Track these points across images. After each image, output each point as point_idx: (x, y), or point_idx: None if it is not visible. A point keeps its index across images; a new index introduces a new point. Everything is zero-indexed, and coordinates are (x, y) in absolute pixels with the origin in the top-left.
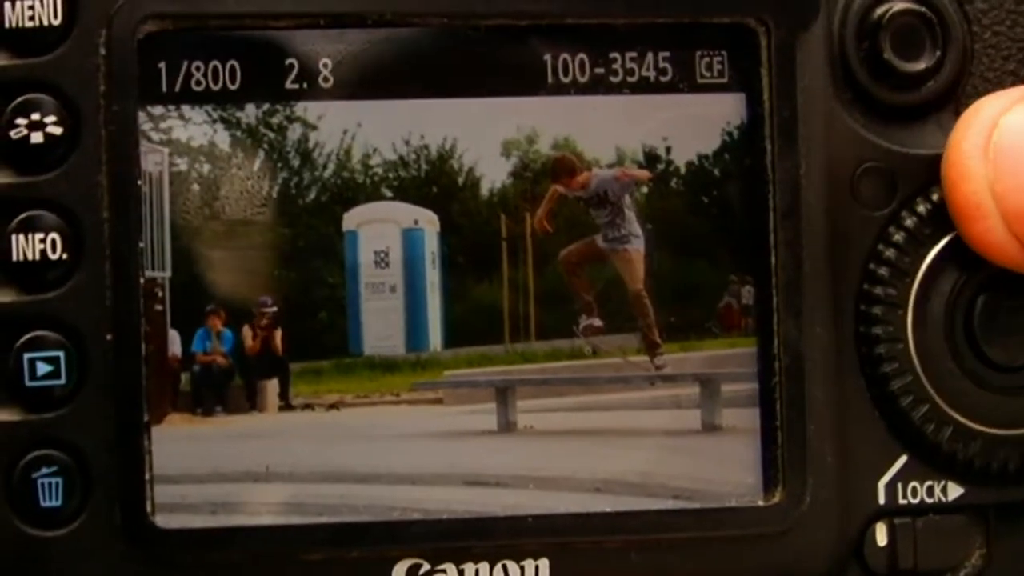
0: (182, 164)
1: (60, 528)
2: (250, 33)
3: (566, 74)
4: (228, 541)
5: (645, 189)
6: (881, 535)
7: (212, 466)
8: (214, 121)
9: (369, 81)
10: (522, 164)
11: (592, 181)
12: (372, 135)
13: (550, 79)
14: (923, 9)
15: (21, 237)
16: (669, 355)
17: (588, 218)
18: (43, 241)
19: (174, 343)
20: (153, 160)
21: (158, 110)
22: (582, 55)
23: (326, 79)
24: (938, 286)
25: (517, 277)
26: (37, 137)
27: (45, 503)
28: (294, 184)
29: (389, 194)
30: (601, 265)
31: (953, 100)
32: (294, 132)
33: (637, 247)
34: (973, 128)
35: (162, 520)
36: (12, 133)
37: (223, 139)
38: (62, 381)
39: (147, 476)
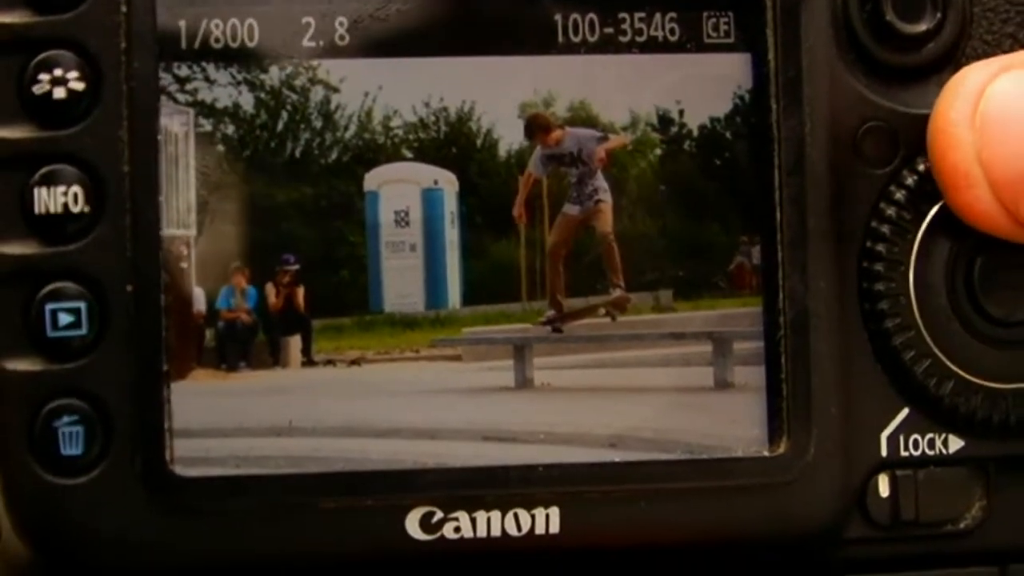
0: (207, 125)
1: (80, 476)
2: None
3: (576, 33)
4: (245, 489)
5: (658, 151)
6: (883, 486)
7: (236, 421)
8: (238, 83)
9: (384, 40)
10: None
11: (566, 138)
12: (392, 97)
13: (560, 38)
14: None
15: (43, 190)
16: (682, 313)
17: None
18: (65, 194)
19: (199, 300)
20: (179, 121)
21: (182, 71)
22: (591, 15)
23: (342, 37)
24: (939, 243)
25: (534, 236)
26: (60, 92)
27: (66, 451)
28: (316, 145)
29: (409, 155)
30: (582, 235)
31: (953, 61)
32: (316, 94)
33: (606, 200)
34: (959, 97)
35: (181, 468)
36: (35, 88)
37: (247, 101)
38: (83, 331)
39: (167, 424)
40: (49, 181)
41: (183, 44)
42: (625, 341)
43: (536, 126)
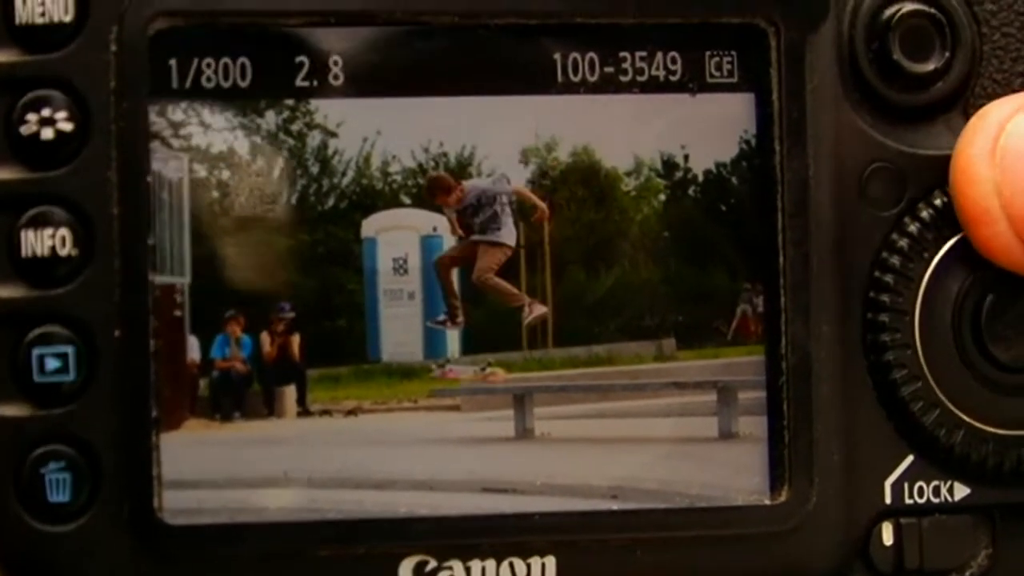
0: (202, 170)
1: (68, 523)
2: (260, 30)
3: (576, 73)
4: (236, 538)
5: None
6: (887, 534)
7: (230, 471)
8: (234, 128)
9: (379, 79)
10: (540, 171)
11: (467, 195)
12: (391, 142)
13: (560, 78)
14: (932, 10)
15: (31, 233)
16: (685, 362)
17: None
18: (53, 237)
19: (193, 349)
20: (173, 166)
21: (177, 115)
22: (591, 54)
23: (336, 76)
24: (944, 290)
25: (535, 283)
26: (48, 133)
27: (53, 498)
28: (313, 191)
29: (408, 201)
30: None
31: (962, 101)
32: (313, 139)
33: (508, 241)
34: (980, 133)
35: (170, 517)
36: (23, 129)
37: (243, 146)
38: (71, 377)
39: (155, 471)
40: (37, 223)
41: (174, 84)
42: (627, 391)
43: (437, 188)
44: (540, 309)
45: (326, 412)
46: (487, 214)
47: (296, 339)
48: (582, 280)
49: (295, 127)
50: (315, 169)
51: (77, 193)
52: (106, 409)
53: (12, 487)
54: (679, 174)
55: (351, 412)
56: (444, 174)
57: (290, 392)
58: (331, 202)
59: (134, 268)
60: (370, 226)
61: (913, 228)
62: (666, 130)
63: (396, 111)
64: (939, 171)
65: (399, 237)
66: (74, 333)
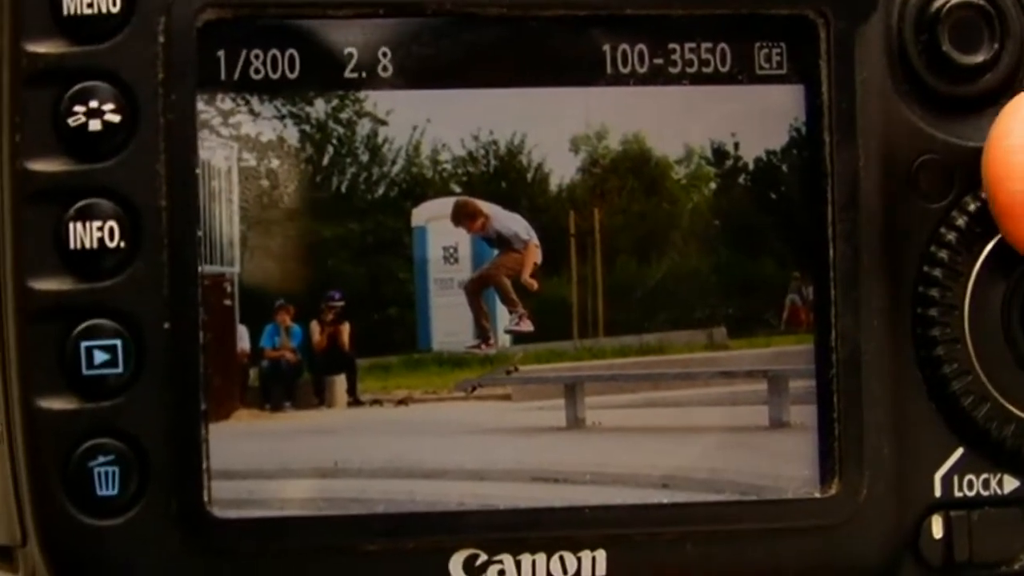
0: (251, 159)
1: (116, 517)
2: (309, 22)
3: (625, 64)
4: (284, 531)
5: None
6: (937, 527)
7: (280, 462)
8: (283, 116)
9: (428, 71)
10: (591, 159)
11: (490, 225)
12: (441, 130)
13: (609, 69)
14: (981, 2)
15: (79, 225)
16: (735, 351)
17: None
18: (101, 229)
19: (242, 338)
20: (222, 155)
21: (226, 104)
22: (641, 46)
23: (385, 68)
24: (993, 283)
25: (586, 272)
26: (95, 125)
27: (101, 492)
28: (363, 179)
29: (458, 190)
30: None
31: (1010, 93)
32: (363, 127)
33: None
34: (1018, 123)
35: (219, 510)
36: (70, 120)
37: (292, 134)
38: (119, 370)
39: (204, 464)
40: (84, 216)
41: (222, 75)
42: (679, 380)
43: (462, 214)
44: (527, 325)
45: (377, 402)
46: (501, 244)
47: (346, 328)
48: (633, 269)
49: (344, 115)
50: (365, 157)
51: (125, 185)
52: (155, 402)
53: (60, 481)
54: (729, 162)
55: (402, 402)
56: (472, 201)
57: (340, 382)
58: (381, 190)
59: (183, 260)
60: (420, 215)
61: (961, 222)
62: (716, 119)
63: (446, 100)
64: None
65: (449, 226)
66: (122, 326)
